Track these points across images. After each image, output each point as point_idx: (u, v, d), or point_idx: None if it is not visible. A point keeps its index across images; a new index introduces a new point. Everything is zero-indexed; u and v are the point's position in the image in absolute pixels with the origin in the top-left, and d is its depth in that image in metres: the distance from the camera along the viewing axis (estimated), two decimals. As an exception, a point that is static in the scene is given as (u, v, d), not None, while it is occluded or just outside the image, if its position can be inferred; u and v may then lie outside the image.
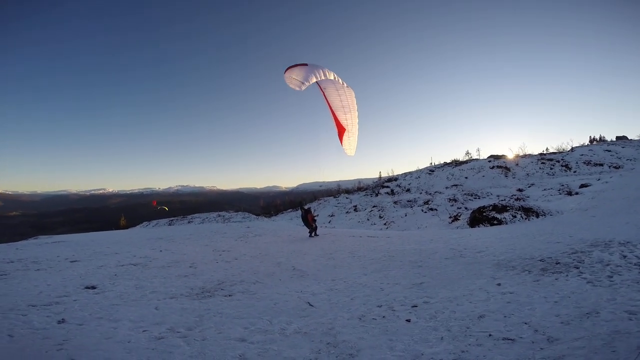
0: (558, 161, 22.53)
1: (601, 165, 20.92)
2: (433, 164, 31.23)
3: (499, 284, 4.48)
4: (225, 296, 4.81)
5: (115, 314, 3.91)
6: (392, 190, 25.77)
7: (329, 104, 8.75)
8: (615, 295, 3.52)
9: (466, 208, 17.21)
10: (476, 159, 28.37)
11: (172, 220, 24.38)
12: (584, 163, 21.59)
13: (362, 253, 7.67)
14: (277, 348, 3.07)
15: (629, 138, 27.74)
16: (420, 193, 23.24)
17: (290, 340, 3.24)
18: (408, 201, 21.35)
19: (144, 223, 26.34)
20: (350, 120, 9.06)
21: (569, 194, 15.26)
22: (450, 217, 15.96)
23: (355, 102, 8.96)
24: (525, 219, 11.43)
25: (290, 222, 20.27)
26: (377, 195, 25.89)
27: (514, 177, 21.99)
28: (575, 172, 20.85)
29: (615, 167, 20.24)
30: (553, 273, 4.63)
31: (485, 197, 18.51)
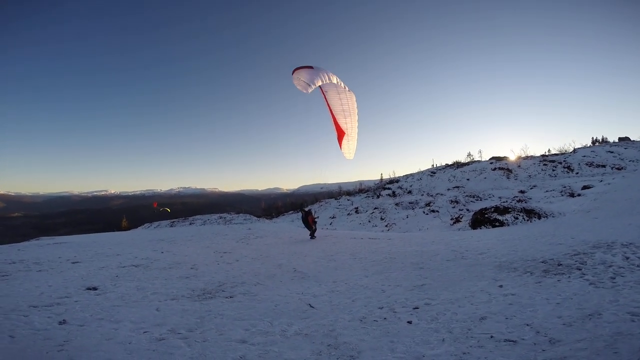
0: (560, 163, 22.45)
1: (603, 166, 20.83)
2: (435, 166, 31.18)
3: (500, 286, 4.46)
4: (226, 298, 4.81)
5: (117, 315, 3.91)
6: (393, 192, 25.73)
7: (329, 107, 8.78)
8: (617, 297, 3.50)
9: (468, 210, 17.15)
10: (478, 161, 28.29)
11: (173, 221, 24.44)
12: (586, 164, 21.50)
13: (363, 255, 7.66)
14: (278, 350, 3.07)
15: (632, 139, 27.62)
16: (422, 195, 23.19)
17: (291, 342, 3.24)
18: (409, 203, 21.30)
19: (145, 224, 26.41)
20: (350, 124, 9.08)
21: (571, 195, 15.19)
22: (451, 219, 15.91)
23: (355, 106, 8.99)
24: (527, 220, 11.38)
25: (291, 224, 20.26)
26: (378, 197, 25.86)
27: (515, 179, 21.92)
28: (577, 173, 20.77)
29: (617, 169, 20.15)
30: (555, 275, 4.61)
31: (487, 198, 18.45)
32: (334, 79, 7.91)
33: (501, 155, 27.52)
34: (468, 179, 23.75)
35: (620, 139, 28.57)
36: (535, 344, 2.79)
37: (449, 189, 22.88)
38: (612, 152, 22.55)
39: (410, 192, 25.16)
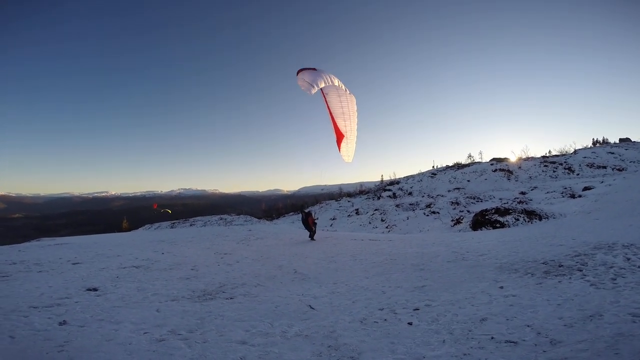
0: (561, 164, 22.44)
1: (604, 167, 20.81)
2: (435, 167, 31.20)
3: (501, 287, 4.45)
4: (227, 299, 4.80)
5: (117, 316, 3.91)
6: (394, 194, 25.72)
7: (329, 109, 8.78)
8: (618, 298, 3.49)
9: (468, 211, 17.13)
10: (478, 162, 28.30)
11: (174, 223, 24.46)
12: (587, 165, 21.48)
13: (364, 256, 7.65)
14: (278, 351, 3.06)
15: (632, 140, 27.62)
16: (423, 196, 23.18)
17: (292, 343, 3.23)
18: (410, 204, 21.29)
19: (146, 226, 26.45)
20: (350, 127, 9.08)
21: (572, 196, 15.17)
22: (452, 221, 15.89)
23: (355, 109, 8.99)
24: (528, 222, 11.36)
25: (291, 226, 20.24)
26: (379, 198, 25.85)
27: (516, 180, 21.90)
28: (578, 174, 20.75)
29: (618, 170, 20.13)
30: (556, 276, 4.59)
31: (488, 200, 18.44)
32: (336, 82, 7.93)
33: (502, 156, 27.57)
34: (469, 181, 23.73)
35: (621, 140, 28.57)
36: (536, 345, 2.78)
37: (449, 191, 22.86)
38: (612, 153, 22.53)
39: (410, 193, 25.14)
